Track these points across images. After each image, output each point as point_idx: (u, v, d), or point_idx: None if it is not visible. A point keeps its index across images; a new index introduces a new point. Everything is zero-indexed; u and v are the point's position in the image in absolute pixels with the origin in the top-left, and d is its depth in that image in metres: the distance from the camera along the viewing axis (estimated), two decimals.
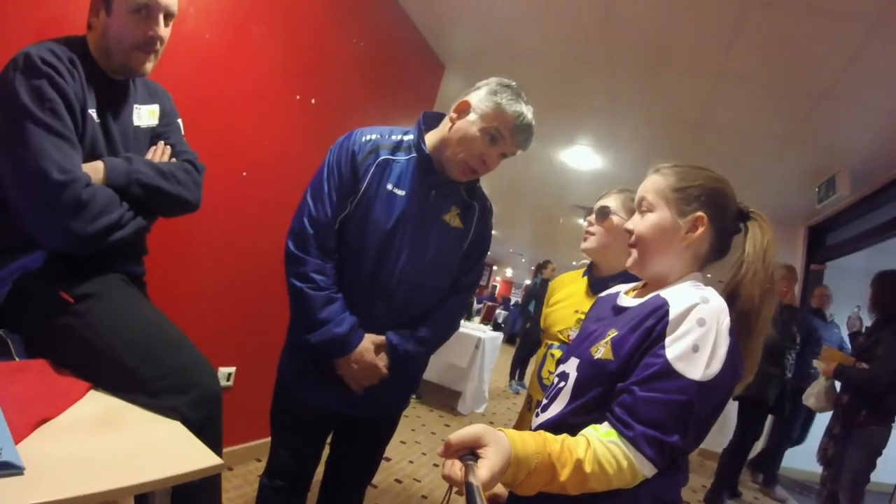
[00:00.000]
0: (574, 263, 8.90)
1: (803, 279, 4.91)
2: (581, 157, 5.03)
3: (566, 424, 0.90)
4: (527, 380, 6.54)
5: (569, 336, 1.51)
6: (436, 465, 3.30)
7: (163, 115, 1.33)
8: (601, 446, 0.79)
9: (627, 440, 0.80)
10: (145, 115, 1.28)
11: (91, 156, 1.12)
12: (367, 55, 2.87)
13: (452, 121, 1.36)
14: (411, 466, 3.20)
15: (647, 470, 0.80)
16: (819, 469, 3.41)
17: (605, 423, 0.84)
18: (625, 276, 1.56)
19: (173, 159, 1.29)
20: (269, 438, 1.46)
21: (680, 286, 0.94)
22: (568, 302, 1.59)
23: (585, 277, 1.61)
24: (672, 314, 0.85)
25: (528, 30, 3.12)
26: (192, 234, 2.03)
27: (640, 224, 1.01)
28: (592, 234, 1.54)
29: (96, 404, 0.98)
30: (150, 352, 1.09)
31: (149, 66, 1.22)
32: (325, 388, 1.37)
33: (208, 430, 1.07)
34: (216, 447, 1.08)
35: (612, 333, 0.93)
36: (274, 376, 1.49)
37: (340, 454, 1.55)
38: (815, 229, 4.92)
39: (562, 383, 0.99)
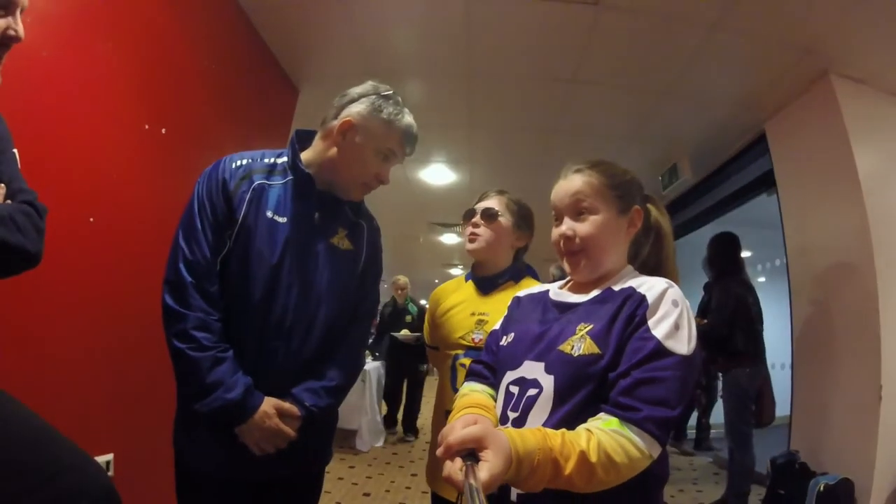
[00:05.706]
0: (436, 281, 9.12)
1: None
2: (438, 174, 5.13)
3: None
4: None
5: (472, 339, 1.50)
6: None
7: None
8: (605, 436, 0.78)
9: (634, 423, 0.80)
10: None
11: None
12: (220, 79, 2.61)
13: (337, 143, 1.27)
14: None
15: (655, 450, 0.81)
16: None
17: (602, 415, 0.82)
18: (512, 272, 1.61)
19: (8, 200, 0.99)
20: None
21: (636, 277, 1.00)
22: (460, 307, 1.59)
23: (470, 281, 1.65)
24: (650, 299, 0.91)
25: (386, 50, 3.10)
26: (33, 300, 1.61)
27: (584, 227, 1.00)
28: (479, 235, 1.57)
29: None
30: (11, 457, 0.80)
31: None
32: (230, 454, 1.16)
33: None
34: None
35: (586, 327, 0.92)
36: (161, 455, 1.26)
37: None
38: None
39: (533, 390, 0.92)
